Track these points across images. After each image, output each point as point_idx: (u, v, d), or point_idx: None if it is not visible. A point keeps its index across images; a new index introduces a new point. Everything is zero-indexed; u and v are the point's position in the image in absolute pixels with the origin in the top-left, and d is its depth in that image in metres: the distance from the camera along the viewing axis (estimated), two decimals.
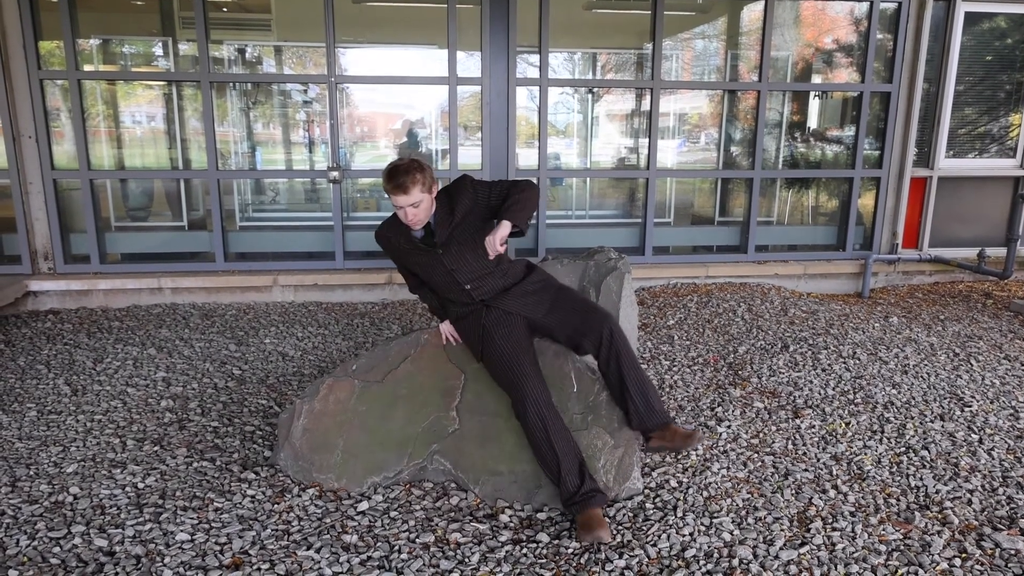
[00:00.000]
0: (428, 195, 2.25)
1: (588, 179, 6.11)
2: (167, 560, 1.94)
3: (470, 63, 4.80)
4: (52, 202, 4.48)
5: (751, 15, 5.33)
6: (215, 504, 2.22)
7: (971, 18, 5.05)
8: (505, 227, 2.20)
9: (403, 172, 2.19)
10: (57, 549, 1.98)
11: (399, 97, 5.70)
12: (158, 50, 5.20)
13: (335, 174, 4.63)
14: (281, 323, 4.21)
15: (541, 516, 2.21)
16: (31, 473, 2.40)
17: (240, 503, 2.24)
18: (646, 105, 5.09)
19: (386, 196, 2.24)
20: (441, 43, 4.68)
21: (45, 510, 2.17)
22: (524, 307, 2.37)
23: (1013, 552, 2.01)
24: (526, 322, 2.37)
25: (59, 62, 4.42)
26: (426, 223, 2.32)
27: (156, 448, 2.61)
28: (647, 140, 4.96)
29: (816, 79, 5.44)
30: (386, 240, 2.43)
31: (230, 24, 5.28)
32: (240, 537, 2.06)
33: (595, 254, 3.04)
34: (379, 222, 2.47)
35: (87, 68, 4.68)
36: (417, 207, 2.23)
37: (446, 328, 2.53)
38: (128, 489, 2.30)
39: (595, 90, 6.22)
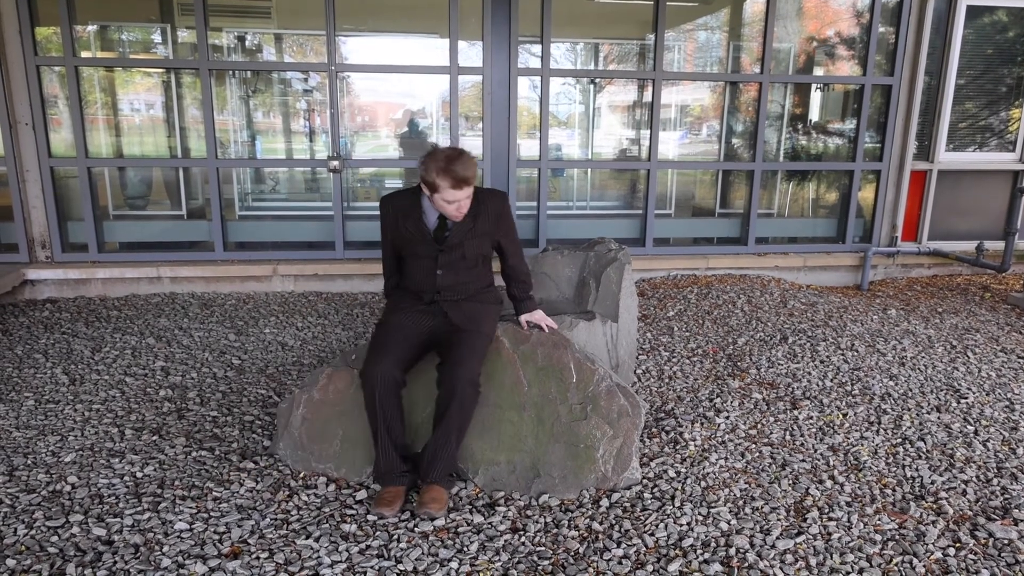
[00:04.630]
0: (472, 186, 2.20)
1: (589, 170, 6.10)
2: (166, 549, 1.94)
3: (471, 52, 4.78)
4: (49, 190, 4.46)
5: (754, 7, 5.29)
6: (214, 493, 2.23)
7: (973, 12, 5.02)
8: (533, 314, 2.49)
9: (470, 166, 2.12)
10: (55, 538, 1.99)
11: (400, 86, 5.67)
12: (156, 37, 5.16)
13: (335, 163, 4.61)
14: (281, 313, 4.20)
15: (539, 505, 2.22)
16: (29, 462, 2.40)
17: (239, 492, 2.24)
18: (648, 96, 5.07)
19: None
20: (443, 32, 4.65)
21: (43, 499, 2.17)
22: (460, 317, 2.34)
23: (1006, 542, 2.03)
24: (433, 327, 2.34)
25: (56, 48, 4.39)
26: (444, 220, 2.29)
27: (155, 437, 2.61)
28: (648, 131, 4.94)
29: (818, 71, 5.41)
30: (391, 213, 2.34)
31: (229, 11, 5.24)
32: (239, 526, 2.06)
33: (595, 245, 3.04)
34: (378, 212, 2.43)
35: (84, 55, 4.64)
36: (468, 197, 2.19)
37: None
38: (127, 478, 2.31)
39: (597, 81, 6.20)
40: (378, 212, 2.40)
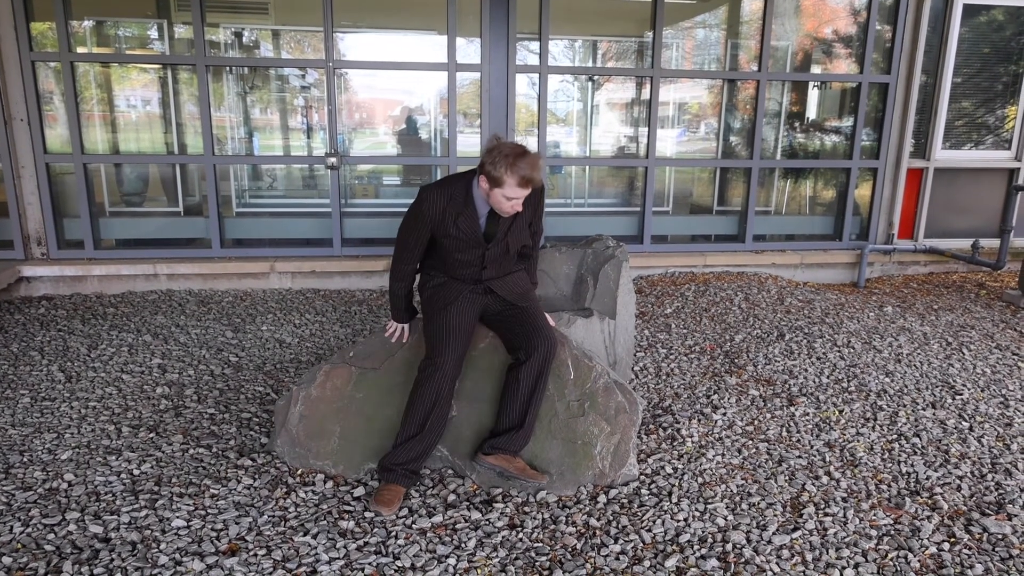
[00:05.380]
0: None
1: (587, 167, 6.10)
2: (163, 546, 1.94)
3: (470, 49, 4.77)
4: (45, 186, 4.44)
5: (752, 4, 5.30)
6: (211, 491, 2.23)
7: (969, 10, 5.03)
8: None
9: (538, 166, 2.08)
10: (51, 536, 1.98)
11: (398, 83, 5.66)
12: (153, 32, 5.14)
13: (333, 160, 4.60)
14: (278, 310, 4.20)
15: (537, 502, 2.23)
16: (25, 460, 2.40)
17: (236, 490, 2.24)
18: (646, 94, 5.07)
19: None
20: (441, 29, 4.64)
21: (39, 497, 2.17)
22: (508, 292, 2.34)
23: (1000, 537, 2.04)
24: (484, 308, 2.35)
25: (52, 44, 4.36)
26: (494, 215, 2.22)
27: (152, 435, 2.61)
28: (647, 129, 4.94)
29: (815, 69, 5.42)
30: (439, 207, 2.18)
31: (226, 7, 5.22)
32: (237, 523, 2.06)
33: (593, 242, 3.04)
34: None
35: (80, 50, 4.62)
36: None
37: (399, 328, 2.45)
38: (123, 476, 2.30)
39: (595, 78, 6.19)
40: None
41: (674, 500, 2.20)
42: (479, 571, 1.90)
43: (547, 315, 2.46)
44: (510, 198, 2.10)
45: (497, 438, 2.24)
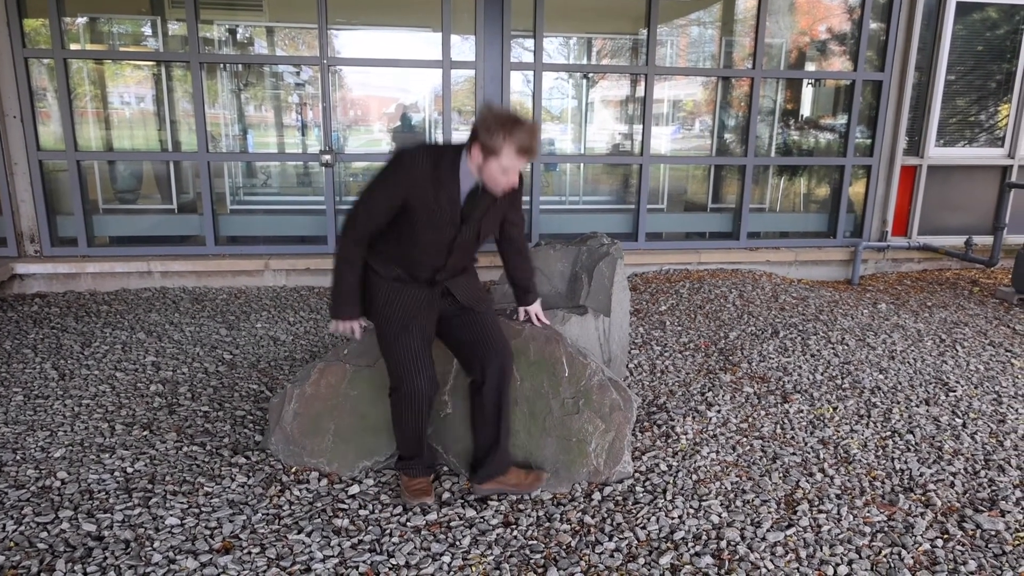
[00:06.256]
0: None
1: (582, 165, 6.09)
2: (156, 544, 1.94)
3: (464, 47, 4.76)
4: (38, 183, 4.41)
5: (746, 2, 5.30)
6: (205, 489, 2.22)
7: (963, 8, 5.05)
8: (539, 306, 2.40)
9: (537, 137, 1.91)
10: (44, 534, 1.97)
11: (393, 80, 5.64)
12: (147, 29, 5.11)
13: (327, 157, 4.59)
14: (273, 307, 4.19)
15: (531, 499, 2.23)
16: (17, 458, 2.39)
17: (230, 487, 2.24)
18: (641, 91, 5.06)
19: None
20: (435, 26, 4.63)
21: (32, 495, 2.16)
22: (465, 295, 2.16)
23: (993, 533, 2.05)
24: (440, 313, 2.18)
25: (45, 40, 4.34)
26: (473, 196, 2.02)
27: (145, 433, 2.60)
28: (641, 126, 4.94)
29: (809, 67, 5.43)
30: (423, 172, 1.93)
31: (221, 3, 5.20)
32: (230, 521, 2.06)
33: (588, 240, 3.04)
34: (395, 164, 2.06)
35: (73, 47, 4.60)
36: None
37: (350, 326, 2.12)
38: (117, 474, 2.30)
39: (590, 76, 6.19)
40: None
41: (669, 497, 2.21)
42: (474, 569, 1.90)
43: (540, 315, 2.42)
44: (507, 169, 1.90)
45: (483, 467, 2.20)
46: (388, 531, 2.05)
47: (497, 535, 2.04)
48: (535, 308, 2.41)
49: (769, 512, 2.14)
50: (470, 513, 2.14)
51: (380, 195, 1.96)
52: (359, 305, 2.08)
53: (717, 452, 2.50)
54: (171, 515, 2.07)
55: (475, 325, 2.16)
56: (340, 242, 2.03)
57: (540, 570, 1.89)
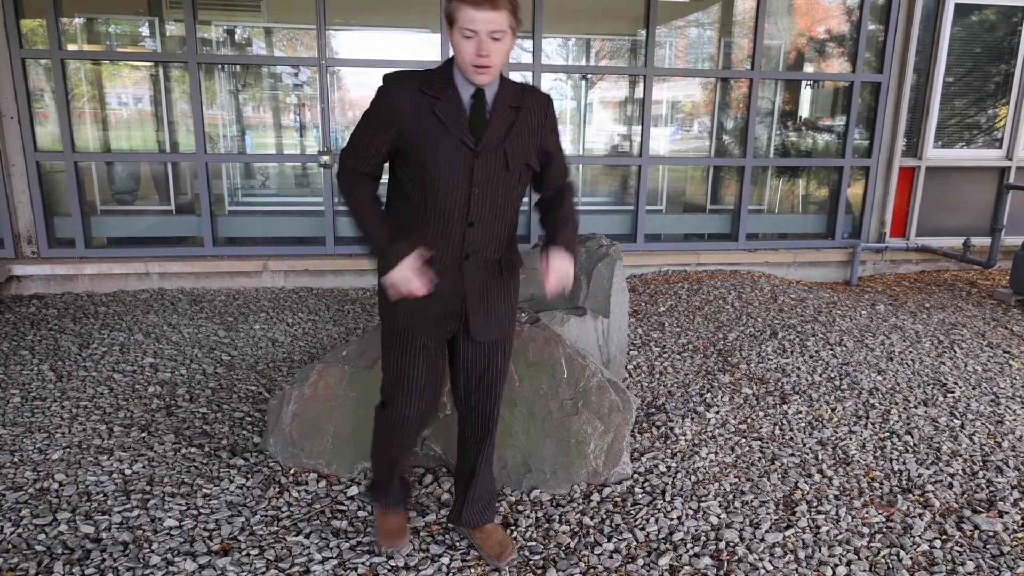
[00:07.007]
0: (511, 35, 1.55)
1: (581, 166, 6.10)
2: (155, 546, 1.93)
3: None
4: (36, 184, 4.40)
5: (745, 3, 5.31)
6: (204, 490, 2.22)
7: (961, 10, 5.06)
8: (570, 262, 1.70)
9: None
10: (42, 536, 1.97)
11: None
12: (145, 30, 5.11)
13: (326, 158, 4.59)
14: (271, 309, 4.18)
15: (530, 500, 2.23)
16: (15, 460, 2.38)
17: (229, 489, 2.23)
18: (639, 92, 5.07)
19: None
20: (434, 27, 4.63)
21: (30, 497, 2.15)
22: (480, 323, 1.76)
23: (991, 534, 2.06)
24: (455, 329, 1.79)
25: (42, 41, 4.33)
26: (481, 107, 1.62)
27: (143, 434, 2.59)
28: (640, 127, 4.95)
29: (808, 68, 5.44)
30: (402, 92, 1.61)
31: (219, 4, 5.19)
32: (229, 523, 2.06)
33: (587, 241, 3.04)
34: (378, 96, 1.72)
35: (71, 48, 4.59)
36: (499, 42, 1.52)
37: (403, 273, 1.63)
38: (115, 476, 2.29)
39: (588, 77, 6.19)
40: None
41: (667, 498, 2.21)
42: (473, 570, 1.89)
43: (568, 277, 1.73)
44: (474, 32, 1.50)
45: (456, 508, 1.97)
46: None
47: None
48: (559, 262, 1.69)
49: (768, 513, 2.14)
50: None
51: (365, 123, 1.65)
52: (402, 239, 1.65)
53: (716, 453, 2.50)
54: (169, 517, 2.06)
55: (477, 361, 1.80)
56: (338, 191, 1.72)
57: (539, 571, 1.89)
